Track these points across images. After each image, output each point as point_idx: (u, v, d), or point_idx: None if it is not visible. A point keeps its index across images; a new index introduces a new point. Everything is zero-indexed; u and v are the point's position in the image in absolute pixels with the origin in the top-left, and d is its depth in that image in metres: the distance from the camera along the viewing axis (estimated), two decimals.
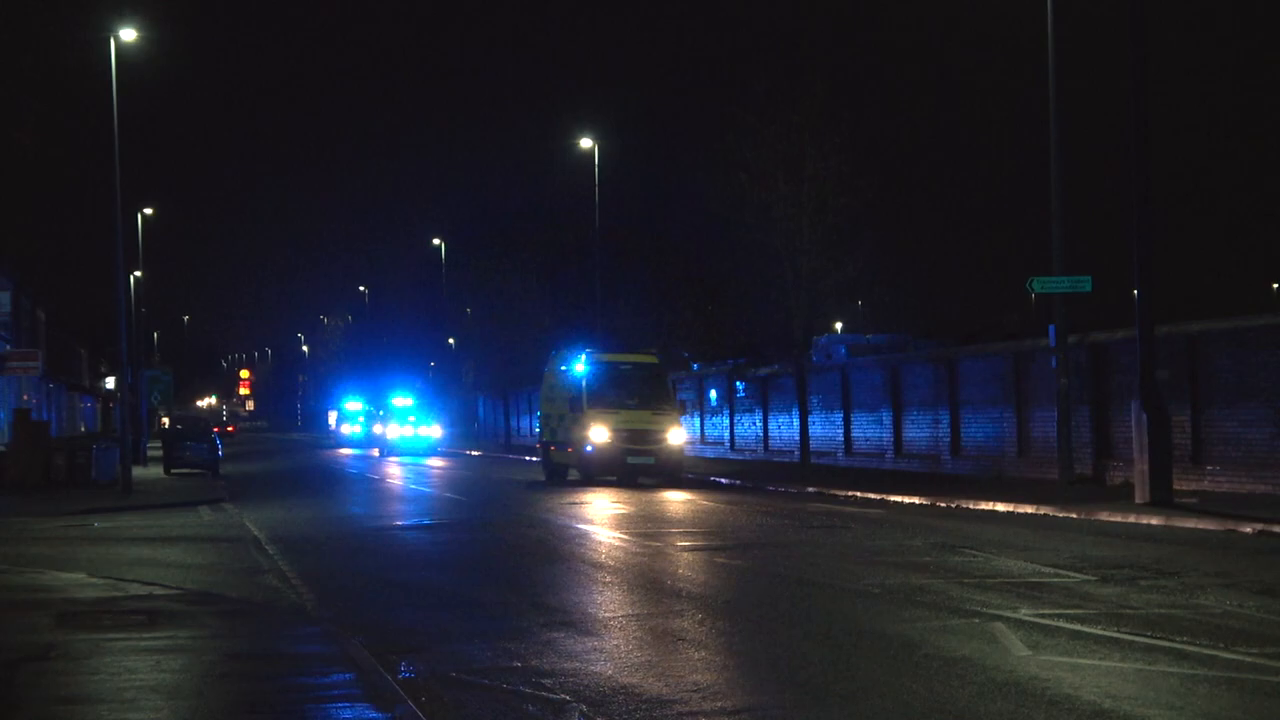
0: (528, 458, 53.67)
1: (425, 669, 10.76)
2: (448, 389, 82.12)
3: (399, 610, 14.25)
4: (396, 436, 64.76)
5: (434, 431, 66.30)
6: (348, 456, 65.24)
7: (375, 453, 67.33)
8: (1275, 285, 69.22)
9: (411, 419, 65.58)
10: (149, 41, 37.77)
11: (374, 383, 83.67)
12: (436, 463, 55.39)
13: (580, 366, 36.66)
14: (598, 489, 33.46)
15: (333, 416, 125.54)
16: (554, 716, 9.17)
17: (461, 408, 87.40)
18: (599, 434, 34.75)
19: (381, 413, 69.16)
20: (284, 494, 35.22)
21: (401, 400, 67.09)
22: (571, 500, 29.60)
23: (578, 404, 35.83)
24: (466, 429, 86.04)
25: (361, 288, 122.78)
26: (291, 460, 62.84)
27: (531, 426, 73.77)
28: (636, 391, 36.09)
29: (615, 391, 35.87)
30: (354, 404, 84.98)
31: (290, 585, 16.17)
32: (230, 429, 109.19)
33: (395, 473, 46.79)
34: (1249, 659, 10.38)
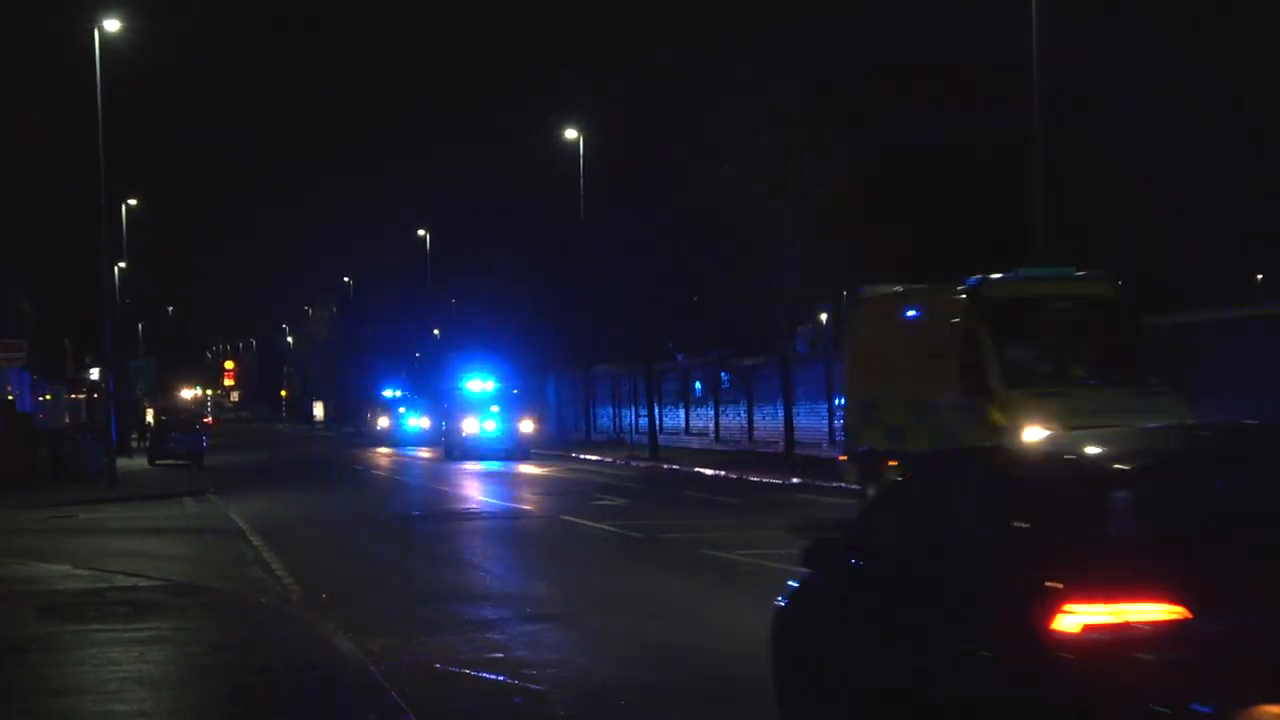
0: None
1: (409, 660, 10.77)
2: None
3: (385, 601, 14.27)
4: (472, 432, 48.71)
5: (525, 426, 50.32)
6: (387, 459, 52.00)
7: (426, 453, 53.89)
8: (1259, 277, 69.45)
9: (494, 409, 49.25)
10: (133, 31, 37.73)
11: (425, 365, 74.01)
12: (531, 468, 41.33)
13: (963, 299, 19.23)
14: None
15: (319, 408, 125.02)
16: (536, 707, 9.19)
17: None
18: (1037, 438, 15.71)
19: (446, 405, 53.94)
20: (269, 489, 35.18)
21: (477, 385, 50.41)
22: None
23: (973, 377, 18.64)
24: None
25: (346, 278, 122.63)
26: (290, 454, 62.44)
27: (614, 420, 58.33)
28: (1088, 351, 19.20)
29: (1045, 352, 18.91)
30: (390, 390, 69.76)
31: (274, 576, 16.17)
32: (208, 420, 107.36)
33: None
34: None
